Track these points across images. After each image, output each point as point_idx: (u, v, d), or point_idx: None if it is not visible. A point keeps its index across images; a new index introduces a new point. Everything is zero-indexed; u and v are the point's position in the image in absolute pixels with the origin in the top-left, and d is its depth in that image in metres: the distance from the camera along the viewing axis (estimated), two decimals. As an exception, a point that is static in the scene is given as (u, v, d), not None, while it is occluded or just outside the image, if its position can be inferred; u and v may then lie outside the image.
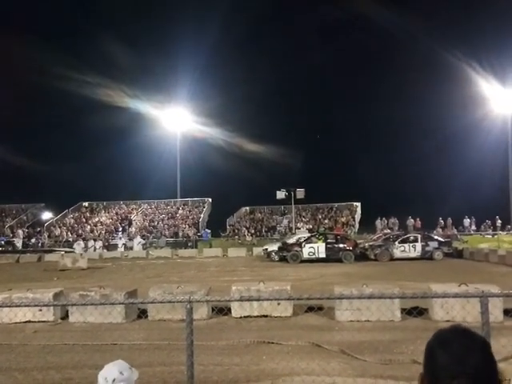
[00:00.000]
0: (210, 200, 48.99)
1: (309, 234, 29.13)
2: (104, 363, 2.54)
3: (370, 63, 60.25)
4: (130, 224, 45.68)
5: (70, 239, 41.92)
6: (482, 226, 39.48)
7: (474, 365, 1.21)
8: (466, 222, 39.99)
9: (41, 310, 9.40)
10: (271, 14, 64.27)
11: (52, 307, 9.43)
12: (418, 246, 24.93)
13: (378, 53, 58.38)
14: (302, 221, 43.91)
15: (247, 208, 47.91)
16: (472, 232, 37.94)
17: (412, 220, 39.49)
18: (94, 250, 37.34)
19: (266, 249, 28.14)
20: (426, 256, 24.54)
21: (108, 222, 46.33)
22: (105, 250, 36.91)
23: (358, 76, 59.04)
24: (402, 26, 51.83)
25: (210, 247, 36.27)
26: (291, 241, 27.69)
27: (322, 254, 24.69)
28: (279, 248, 26.44)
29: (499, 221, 39.14)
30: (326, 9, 57.56)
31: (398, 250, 24.92)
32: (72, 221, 46.45)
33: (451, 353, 1.23)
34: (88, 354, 6.97)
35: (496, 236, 34.38)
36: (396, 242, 25.27)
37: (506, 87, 41.65)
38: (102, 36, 56.36)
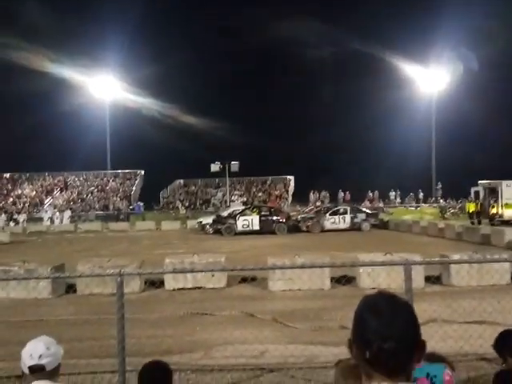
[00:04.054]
0: (143, 172, 47.84)
1: (243, 207, 29.34)
2: (30, 339, 2.41)
3: (306, 46, 60.82)
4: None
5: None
6: (406, 199, 41.68)
7: (402, 327, 1.26)
8: (392, 194, 42.01)
9: (-42, 287, 8.81)
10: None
11: (-30, 284, 8.86)
12: (347, 217, 25.90)
13: (314, 38, 58.94)
14: (236, 194, 44.11)
15: (181, 181, 47.32)
16: (397, 204, 39.98)
17: (342, 193, 40.90)
18: (17, 223, 35.50)
19: (201, 221, 28.06)
20: (354, 227, 25.57)
21: (32, 194, 44.01)
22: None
23: (294, 55, 59.39)
24: (330, 18, 52.76)
25: (143, 220, 35.59)
26: (225, 213, 27.80)
27: (256, 227, 25.02)
28: (213, 221, 26.44)
29: (422, 194, 41.53)
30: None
31: (329, 222, 25.77)
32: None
33: (381, 317, 1.27)
34: (12, 330, 6.63)
35: (419, 208, 36.51)
36: (327, 215, 26.10)
37: (429, 68, 43.88)
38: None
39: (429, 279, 8.75)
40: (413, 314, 1.31)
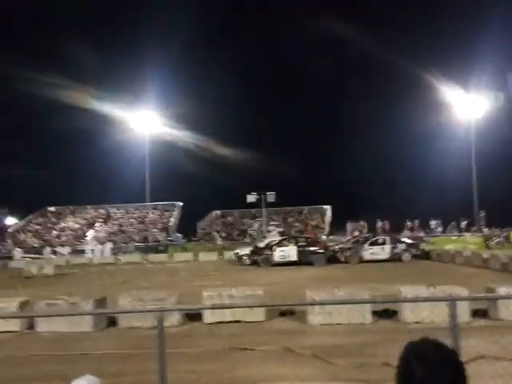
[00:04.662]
0: (181, 204, 48.60)
1: (280, 238, 29.23)
2: (73, 374, 2.47)
3: (342, 68, 61.24)
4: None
5: (36, 245, 40.87)
6: (448, 228, 40.48)
7: (450, 377, 1.25)
8: (433, 223, 40.93)
9: (6, 320, 9.09)
10: (242, 15, 64.55)
11: (17, 317, 9.15)
12: (387, 248, 25.36)
13: (349, 59, 59.43)
14: (273, 224, 44.04)
15: (218, 212, 47.74)
16: (438, 234, 38.87)
17: (381, 223, 40.18)
18: (61, 256, 36.58)
19: (237, 253, 28.08)
20: (394, 258, 24.97)
21: (75, 227, 45.35)
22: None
23: (327, 80, 59.86)
24: (368, 39, 52.96)
25: (185, 251, 35.77)
26: (262, 244, 27.74)
27: (294, 258, 24.81)
28: (250, 252, 26.42)
29: (464, 222, 40.24)
30: (297, 13, 58.13)
31: (368, 252, 25.28)
32: (37, 226, 45.26)
33: (427, 366, 1.26)
34: (57, 364, 6.77)
35: (461, 237, 35.37)
36: (365, 245, 25.65)
37: (469, 93, 43.02)
38: (67, 36, 55.38)
39: (475, 313, 8.42)
40: (459, 361, 1.30)
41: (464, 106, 43.69)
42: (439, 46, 54.46)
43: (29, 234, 43.43)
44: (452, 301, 4.36)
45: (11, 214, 48.55)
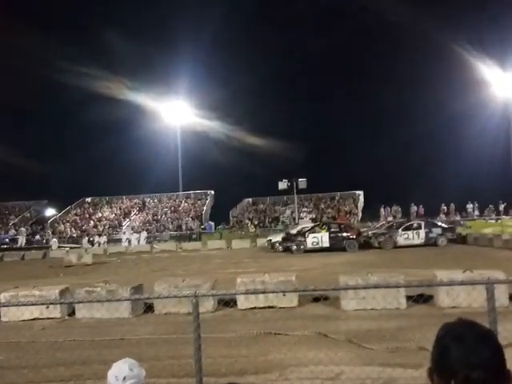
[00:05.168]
0: (213, 192, 49.00)
1: (312, 224, 29.13)
2: (113, 358, 2.54)
3: (370, 50, 59.86)
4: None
5: (74, 235, 42.13)
6: (486, 211, 39.38)
7: (488, 356, 1.23)
8: (469, 207, 39.90)
9: (48, 307, 9.45)
10: (271, 4, 63.84)
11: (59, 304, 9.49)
12: (422, 232, 24.91)
13: (378, 39, 58.02)
14: (305, 211, 43.90)
15: (250, 199, 47.91)
16: (475, 217, 37.88)
17: (415, 207, 39.45)
18: (99, 245, 37.66)
19: (270, 240, 28.17)
20: (429, 242, 24.52)
21: (111, 216, 46.43)
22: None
23: (357, 64, 58.81)
24: (403, 11, 51.46)
25: (220, 238, 36.07)
26: (295, 231, 27.73)
27: (326, 244, 24.72)
28: (283, 238, 26.46)
29: (502, 205, 39.03)
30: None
31: (402, 238, 24.92)
32: (75, 217, 46.58)
33: (466, 346, 1.24)
34: (96, 349, 7.00)
35: (499, 220, 34.37)
36: (399, 230, 25.26)
37: (506, 71, 41.39)
38: (101, 27, 56.12)
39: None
40: (497, 342, 1.28)
41: (502, 84, 42.06)
42: (476, 23, 52.34)
43: (67, 224, 44.74)
44: (489, 284, 4.27)
45: (50, 205, 50.14)
